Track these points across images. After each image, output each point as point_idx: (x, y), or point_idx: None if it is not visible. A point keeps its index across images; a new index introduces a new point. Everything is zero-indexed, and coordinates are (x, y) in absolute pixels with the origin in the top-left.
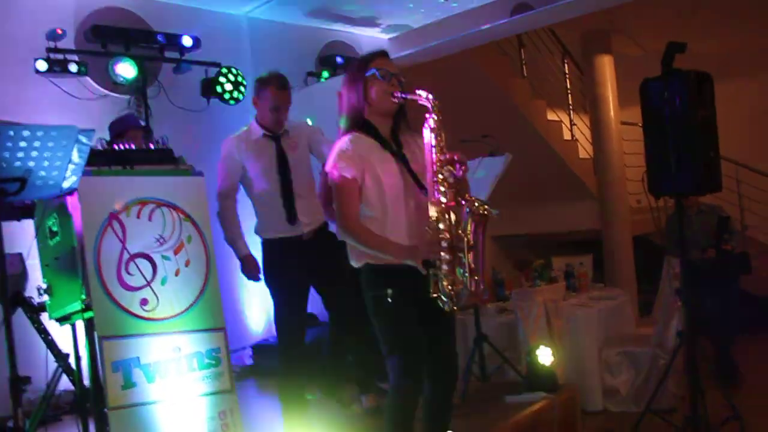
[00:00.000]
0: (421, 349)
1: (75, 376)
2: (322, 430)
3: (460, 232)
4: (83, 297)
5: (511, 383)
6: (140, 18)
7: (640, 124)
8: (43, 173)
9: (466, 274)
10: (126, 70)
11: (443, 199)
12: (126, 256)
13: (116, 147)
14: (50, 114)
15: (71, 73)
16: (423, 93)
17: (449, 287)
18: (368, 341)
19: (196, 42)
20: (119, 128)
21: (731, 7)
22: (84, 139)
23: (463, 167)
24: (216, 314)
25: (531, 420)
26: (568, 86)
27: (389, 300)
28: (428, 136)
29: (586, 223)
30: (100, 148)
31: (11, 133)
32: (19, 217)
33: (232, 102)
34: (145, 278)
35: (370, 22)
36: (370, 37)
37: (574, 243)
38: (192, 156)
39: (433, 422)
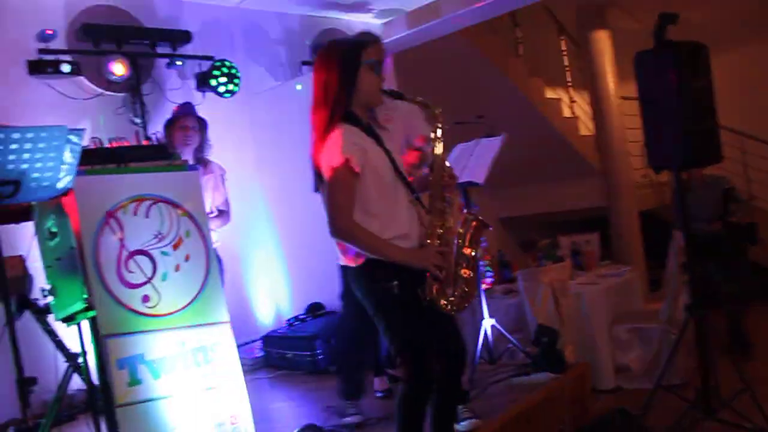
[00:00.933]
0: (431, 339)
1: (84, 374)
2: None
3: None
4: (85, 296)
5: (520, 365)
6: (130, 14)
7: None
8: (36, 174)
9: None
10: (119, 67)
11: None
12: (125, 253)
13: (110, 146)
14: (47, 116)
15: (64, 73)
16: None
17: (444, 300)
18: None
19: (188, 36)
20: (171, 117)
21: None
22: (75, 139)
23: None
24: (219, 308)
25: (541, 401)
26: (566, 63)
27: (396, 292)
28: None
29: (590, 200)
30: (92, 147)
31: (1, 135)
32: (18, 220)
33: (227, 95)
34: (145, 275)
35: (361, 7)
36: (363, 23)
37: (581, 221)
38: None
39: (442, 401)
